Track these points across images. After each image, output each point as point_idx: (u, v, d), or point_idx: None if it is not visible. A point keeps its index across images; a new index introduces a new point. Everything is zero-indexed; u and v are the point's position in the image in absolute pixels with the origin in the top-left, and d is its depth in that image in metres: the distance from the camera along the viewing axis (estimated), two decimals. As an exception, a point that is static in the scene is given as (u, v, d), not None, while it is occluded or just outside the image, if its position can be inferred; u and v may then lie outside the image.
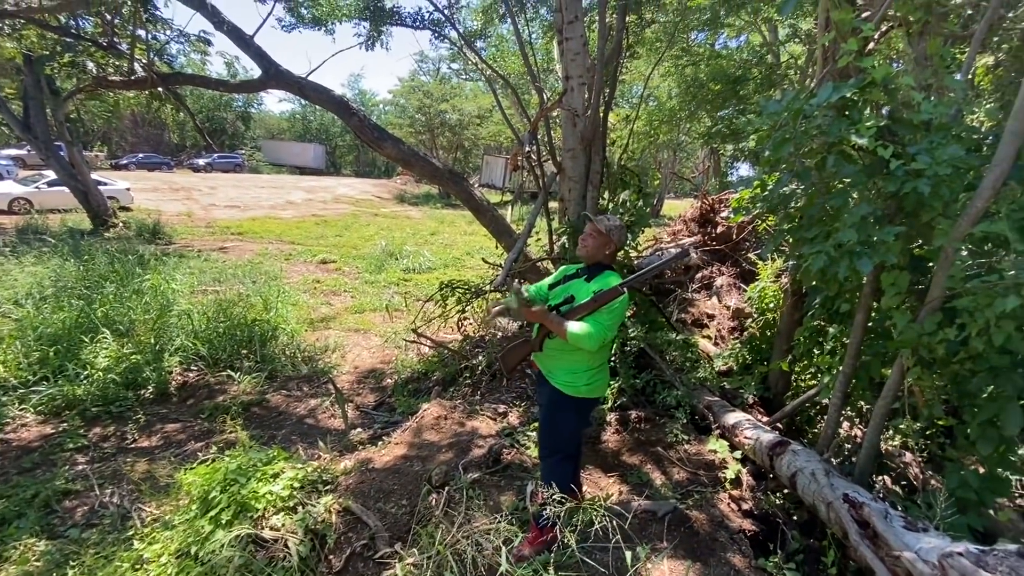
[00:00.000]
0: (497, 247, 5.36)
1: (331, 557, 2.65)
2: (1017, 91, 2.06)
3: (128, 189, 17.61)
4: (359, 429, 4.54)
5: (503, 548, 1.94)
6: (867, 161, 2.29)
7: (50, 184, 15.47)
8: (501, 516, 2.59)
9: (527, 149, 4.39)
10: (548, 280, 2.80)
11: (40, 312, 5.68)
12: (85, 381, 4.73)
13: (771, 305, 4.81)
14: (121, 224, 13.42)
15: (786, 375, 4.23)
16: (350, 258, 12.55)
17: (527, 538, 2.61)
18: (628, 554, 2.06)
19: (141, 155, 34.60)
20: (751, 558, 2.64)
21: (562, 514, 2.18)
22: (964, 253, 2.28)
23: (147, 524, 2.97)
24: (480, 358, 4.82)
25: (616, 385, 4.04)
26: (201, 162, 35.69)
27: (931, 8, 2.62)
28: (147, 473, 3.73)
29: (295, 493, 2.96)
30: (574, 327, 2.28)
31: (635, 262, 5.29)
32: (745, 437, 3.39)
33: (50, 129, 12.11)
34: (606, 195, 4.89)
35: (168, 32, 6.46)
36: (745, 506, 3.09)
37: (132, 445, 4.20)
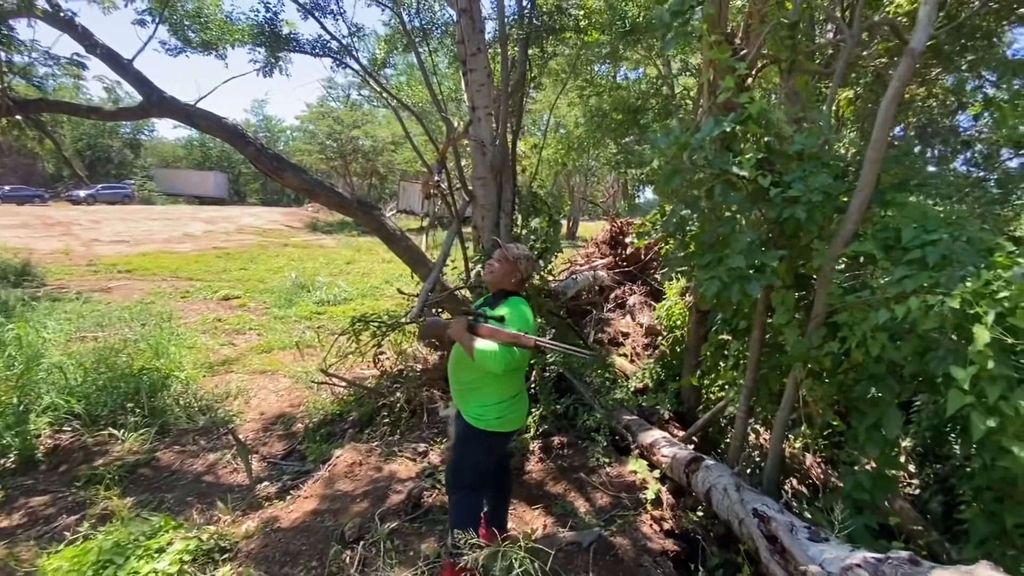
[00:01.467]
0: (413, 276, 5.20)
1: (228, 641, 2.34)
2: (874, 122, 2.29)
3: (-11, 226, 15.49)
4: (266, 483, 4.14)
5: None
6: (750, 189, 2.44)
7: None
8: (422, 566, 2.43)
9: (436, 178, 4.33)
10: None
11: None
12: (-84, 459, 3.97)
13: (678, 322, 5.03)
14: (-22, 266, 11.71)
15: (696, 390, 4.41)
16: (256, 292, 11.75)
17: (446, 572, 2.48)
18: (553, 598, 1.98)
19: (8, 188, 30.73)
20: (674, 579, 2.65)
21: (479, 558, 2.07)
22: (842, 268, 2.49)
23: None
24: (398, 394, 4.60)
25: (538, 412, 4.00)
26: (82, 194, 32.22)
27: (798, 48, 2.89)
28: (6, 559, 3.15)
29: (186, 568, 2.62)
30: (481, 344, 2.24)
31: (551, 285, 5.35)
32: (662, 455, 3.46)
33: None
34: (519, 221, 4.92)
35: (31, 55, 5.77)
36: (666, 526, 3.13)
37: (-18, 531, 3.55)
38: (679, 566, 2.83)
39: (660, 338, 5.33)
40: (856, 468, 2.56)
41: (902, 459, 3.62)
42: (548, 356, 4.04)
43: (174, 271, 14.15)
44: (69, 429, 4.81)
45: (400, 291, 5.81)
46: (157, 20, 5.67)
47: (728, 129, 2.27)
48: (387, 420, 4.57)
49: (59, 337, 6.39)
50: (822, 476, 4.10)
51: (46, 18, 4.89)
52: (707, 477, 2.94)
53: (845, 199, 2.38)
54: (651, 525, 3.12)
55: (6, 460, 4.26)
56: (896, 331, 2.13)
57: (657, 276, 6.91)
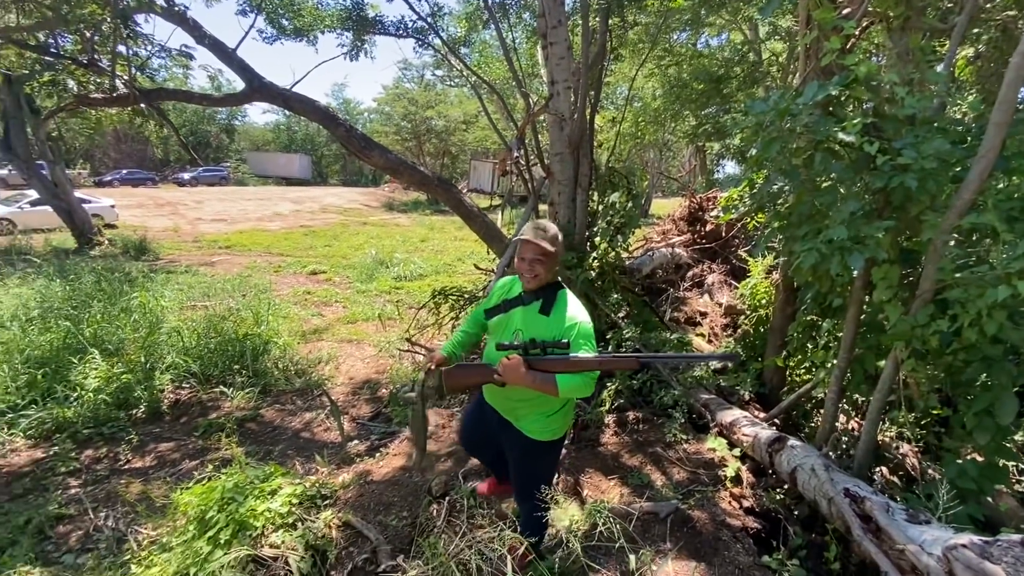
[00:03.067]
0: (488, 252, 5.34)
1: (332, 573, 2.62)
2: (999, 82, 2.09)
3: (113, 206, 17.40)
4: (356, 441, 4.50)
5: (508, 556, 1.92)
6: (853, 157, 2.31)
7: (33, 204, 15.24)
8: (504, 524, 2.57)
9: (515, 154, 4.39)
10: (484, 304, 2.26)
11: (27, 334, 5.57)
12: (75, 403, 4.64)
13: (763, 301, 4.84)
14: (106, 242, 13.25)
15: (781, 371, 4.26)
16: (340, 268, 12.47)
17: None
18: (632, 557, 2.05)
19: (125, 171, 34.24)
20: (755, 556, 2.64)
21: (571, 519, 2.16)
22: (953, 245, 2.31)
23: (144, 547, 2.92)
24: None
25: (613, 387, 4.04)
26: (186, 176, 35.37)
27: (911, 3, 2.65)
28: (142, 494, 3.66)
29: (294, 509, 2.92)
30: (566, 384, 1.84)
31: (626, 263, 5.30)
32: (743, 434, 3.40)
33: (31, 148, 11.94)
34: (595, 197, 4.90)
35: (149, 47, 6.39)
36: (746, 503, 3.10)
37: (125, 466, 4.12)
38: (759, 543, 2.80)
39: (742, 318, 5.16)
40: (960, 457, 2.42)
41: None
42: (625, 332, 4.05)
43: (267, 247, 15.29)
44: (187, 386, 5.42)
45: (476, 266, 5.98)
46: (256, 10, 6.08)
47: (833, 93, 2.15)
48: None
49: (174, 305, 7.13)
50: (918, 467, 3.86)
51: (163, 13, 5.39)
52: (792, 457, 2.87)
53: (961, 167, 2.20)
54: (730, 502, 3.10)
55: (137, 411, 4.88)
56: (1017, 310, 1.98)
57: (740, 253, 6.64)
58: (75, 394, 4.72)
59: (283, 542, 2.66)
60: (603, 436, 3.85)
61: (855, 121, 2.07)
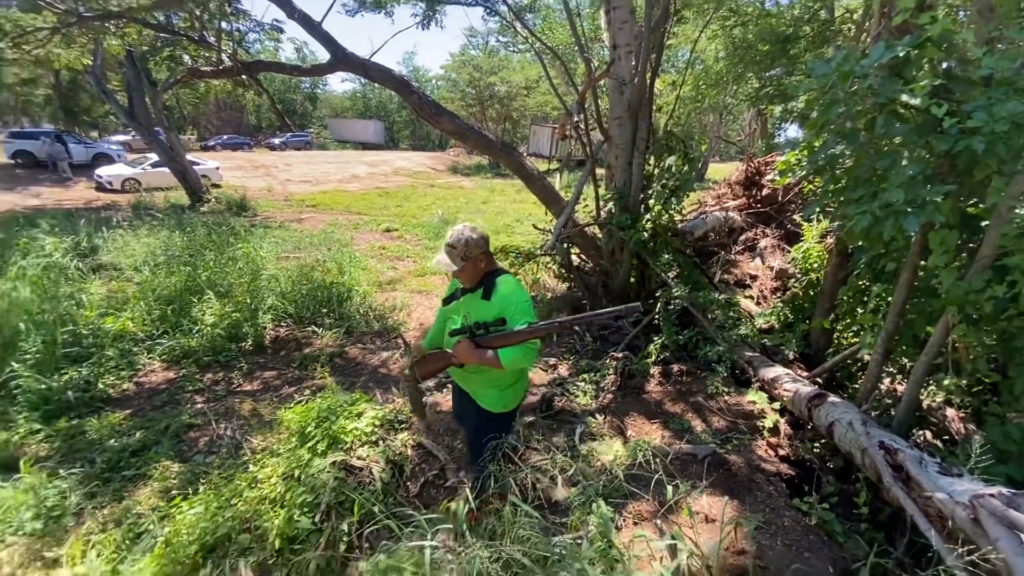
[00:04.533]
0: (547, 214, 5.37)
1: (408, 483, 2.90)
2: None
3: (217, 168, 18.56)
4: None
5: (558, 476, 2.07)
6: (919, 120, 2.15)
7: (153, 165, 16.55)
8: (555, 451, 2.74)
9: (575, 119, 4.32)
10: (444, 296, 2.36)
11: (156, 277, 6.24)
12: (197, 335, 5.20)
13: (815, 265, 4.63)
14: (213, 199, 14.24)
15: (828, 333, 4.11)
16: (411, 226, 12.85)
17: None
18: (669, 488, 2.15)
19: (225, 137, 36.08)
20: (786, 498, 2.67)
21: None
22: (1019, 211, 2.14)
23: (257, 452, 3.32)
24: (532, 316, 4.93)
25: (659, 341, 4.06)
26: (276, 141, 36.88)
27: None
28: (253, 411, 4.12)
29: (376, 430, 3.22)
30: (507, 357, 1.98)
31: (679, 226, 5.18)
32: (784, 390, 3.37)
33: (150, 116, 12.88)
34: (652, 161, 4.78)
35: (247, 23, 6.68)
36: (782, 452, 3.11)
37: (238, 389, 4.62)
38: (792, 488, 2.83)
39: (792, 280, 4.96)
40: (1005, 421, 2.31)
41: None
42: (675, 291, 4.03)
43: (346, 206, 15.93)
44: (284, 325, 5.92)
45: (535, 226, 6.03)
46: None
47: (901, 54, 1.99)
48: (522, 337, 4.95)
49: (271, 256, 7.66)
50: (963, 432, 3.69)
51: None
52: (831, 412, 2.83)
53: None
54: (766, 450, 3.12)
55: (245, 343, 5.40)
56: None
57: (795, 218, 6.29)
58: (196, 327, 5.29)
59: (368, 455, 2.97)
60: (648, 385, 3.92)
61: (923, 83, 1.92)
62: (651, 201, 4.28)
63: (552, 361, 4.21)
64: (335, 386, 3.92)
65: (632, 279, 5.03)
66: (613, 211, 4.41)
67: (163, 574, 2.38)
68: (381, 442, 3.10)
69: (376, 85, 51.27)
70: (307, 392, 4.13)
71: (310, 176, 22.86)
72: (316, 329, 5.74)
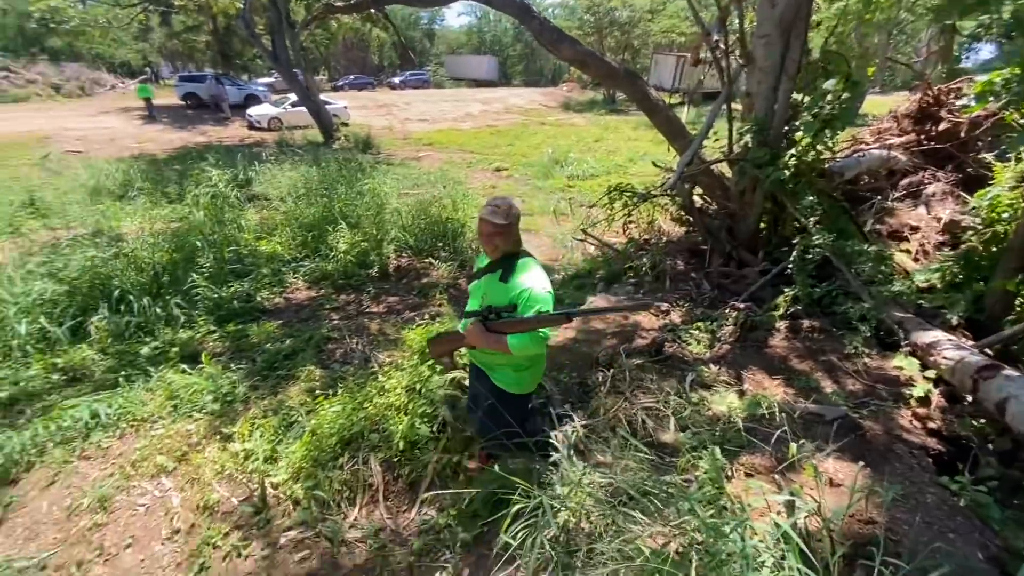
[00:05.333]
0: (669, 150, 4.99)
1: (516, 409, 3.04)
2: None
3: (346, 107, 19.79)
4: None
5: (671, 418, 2.03)
6: None
7: (293, 105, 18.10)
8: (664, 395, 2.68)
9: (715, 39, 3.84)
10: (473, 271, 2.36)
11: (298, 207, 6.98)
12: (332, 260, 5.80)
13: (1004, 215, 3.82)
14: (343, 137, 15.31)
15: (1009, 296, 3.45)
16: (520, 166, 12.81)
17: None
18: (793, 445, 2.02)
19: (352, 77, 38.05)
20: (932, 473, 2.38)
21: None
22: None
23: (383, 366, 3.69)
24: (644, 259, 4.74)
25: (791, 293, 3.70)
26: (396, 80, 38.16)
27: None
28: (379, 330, 4.56)
29: (489, 356, 3.39)
30: (515, 344, 1.98)
31: (827, 165, 4.53)
32: (943, 357, 2.92)
33: (290, 58, 13.94)
34: (801, 87, 4.14)
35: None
36: (932, 425, 2.74)
37: (367, 309, 5.12)
38: (940, 466, 2.51)
39: (969, 233, 4.15)
40: None
41: None
42: (815, 238, 3.57)
43: (460, 145, 16.25)
44: (405, 256, 6.35)
45: (655, 163, 5.65)
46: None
47: None
48: (632, 280, 4.81)
49: (393, 191, 8.14)
50: None
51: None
52: (1005, 387, 2.41)
53: None
54: (911, 421, 2.77)
55: (372, 270, 5.89)
56: None
57: (982, 158, 5.18)
58: (332, 253, 5.88)
59: (481, 378, 3.15)
60: (771, 339, 3.63)
61: None
62: (798, 134, 3.75)
63: (664, 307, 4.05)
64: (452, 313, 4.16)
65: (762, 224, 4.57)
66: (749, 145, 3.95)
67: (310, 457, 2.81)
68: (491, 368, 3.26)
69: (492, 18, 50.20)
70: (426, 317, 4.45)
71: (427, 115, 23.52)
72: (433, 261, 6.09)
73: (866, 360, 3.27)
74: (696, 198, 4.99)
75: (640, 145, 15.72)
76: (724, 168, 4.98)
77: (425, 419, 2.90)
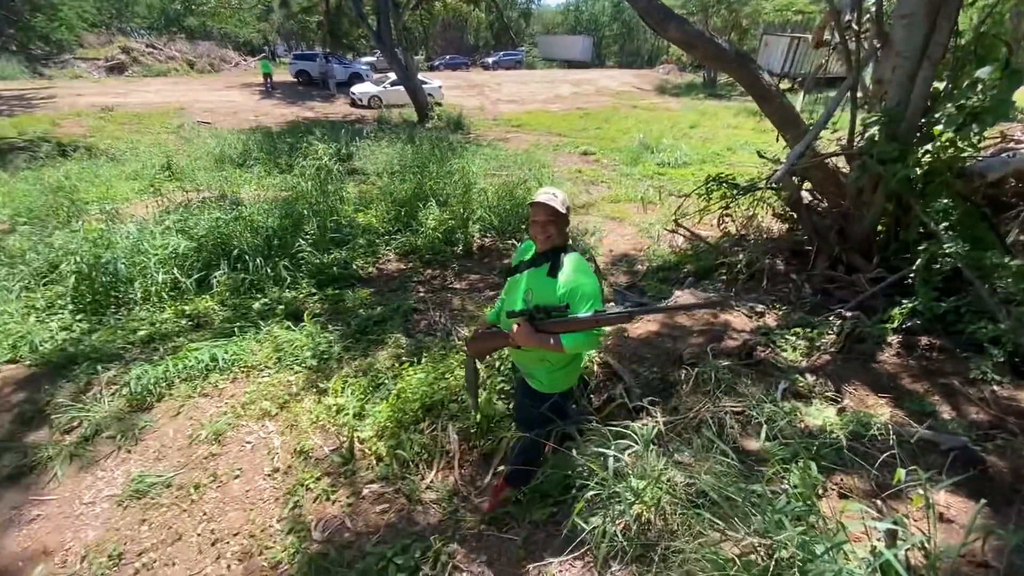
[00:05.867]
0: (778, 140, 4.63)
1: (592, 396, 3.04)
2: None
3: (440, 87, 20.32)
4: (612, 303, 4.83)
5: (764, 425, 1.93)
6: None
7: (392, 84, 18.89)
8: (751, 401, 2.55)
9: (847, 18, 3.46)
10: (512, 265, 2.22)
11: (392, 182, 7.33)
12: (421, 235, 6.05)
13: None
14: (436, 117, 15.76)
15: None
16: (608, 150, 12.49)
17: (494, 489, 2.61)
18: (900, 470, 1.84)
19: (448, 57, 38.84)
20: (1073, 527, 2.07)
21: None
22: None
23: (463, 339, 3.82)
24: (739, 256, 4.47)
25: (910, 305, 3.33)
26: (490, 60, 38.39)
27: None
28: (462, 306, 4.71)
29: (566, 342, 3.39)
30: (571, 343, 1.89)
31: (969, 164, 3.98)
32: (1101, 395, 2.50)
33: (392, 38, 14.49)
34: (944, 75, 3.64)
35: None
36: (1077, 472, 2.38)
37: (450, 285, 5.30)
38: (1084, 519, 2.17)
39: None
40: None
41: None
42: (947, 246, 3.17)
43: (548, 127, 16.13)
44: (489, 236, 6.47)
45: (759, 153, 5.27)
46: None
47: None
48: (723, 277, 4.57)
49: (480, 171, 8.29)
50: None
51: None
52: None
53: None
54: (1048, 463, 2.42)
55: (456, 247, 6.08)
56: None
57: None
58: (421, 229, 6.13)
59: (557, 363, 3.16)
60: (880, 354, 3.30)
61: None
62: (936, 128, 3.31)
63: (759, 308, 3.81)
64: (533, 295, 4.19)
65: (880, 227, 4.13)
66: (875, 139, 3.56)
67: (394, 418, 3.00)
68: (570, 354, 3.26)
69: (592, -2, 48.80)
70: (506, 297, 4.53)
71: (517, 96, 23.54)
72: (515, 243, 6.15)
73: (995, 388, 2.89)
74: (805, 194, 4.60)
75: (740, 134, 14.71)
76: (841, 162, 4.54)
77: (502, 396, 2.98)
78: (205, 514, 2.64)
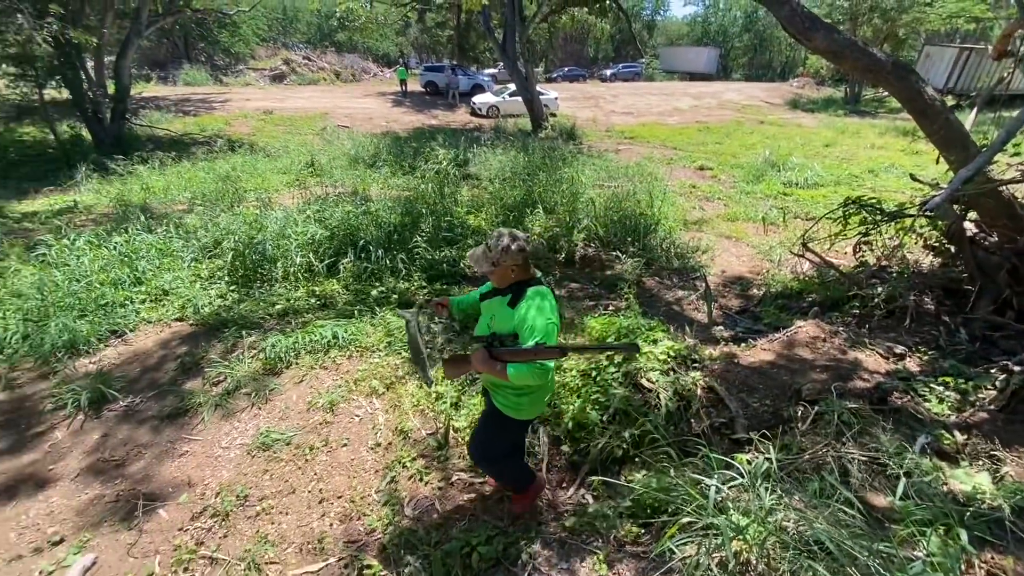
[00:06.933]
0: (938, 162, 4.05)
1: (692, 420, 2.87)
2: None
3: (556, 98, 20.59)
4: (721, 327, 4.54)
5: (903, 479, 1.69)
6: None
7: (510, 95, 19.51)
8: (888, 450, 2.26)
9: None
10: (481, 289, 2.32)
11: (504, 188, 7.56)
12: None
13: None
14: (550, 127, 16.01)
15: None
16: (727, 166, 11.79)
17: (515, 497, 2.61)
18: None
19: (566, 68, 39.26)
20: None
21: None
22: None
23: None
24: (878, 289, 3.97)
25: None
26: (607, 72, 38.15)
27: None
28: (560, 314, 4.71)
29: (669, 360, 3.25)
30: (513, 374, 1.92)
31: None
32: None
33: (516, 50, 15.00)
34: None
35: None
36: None
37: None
38: None
39: None
40: None
41: None
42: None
43: (663, 140, 15.63)
44: (593, 246, 6.40)
45: (913, 176, 4.63)
46: None
47: None
48: (856, 311, 4.08)
49: (589, 182, 8.24)
50: None
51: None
52: None
53: None
54: None
55: (559, 255, 6.10)
56: None
57: None
58: (527, 234, 6.23)
59: (657, 381, 3.04)
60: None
61: None
62: None
63: (898, 349, 3.35)
64: (637, 308, 4.09)
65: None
66: (1072, 164, 2.98)
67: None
68: (671, 373, 3.13)
69: (721, 7, 46.45)
70: (610, 308, 4.47)
71: (632, 108, 23.11)
72: (619, 255, 6.03)
73: None
74: (968, 224, 3.97)
75: (886, 155, 13.10)
76: (1020, 191, 3.86)
77: (596, 406, 2.93)
78: (316, 474, 2.92)
